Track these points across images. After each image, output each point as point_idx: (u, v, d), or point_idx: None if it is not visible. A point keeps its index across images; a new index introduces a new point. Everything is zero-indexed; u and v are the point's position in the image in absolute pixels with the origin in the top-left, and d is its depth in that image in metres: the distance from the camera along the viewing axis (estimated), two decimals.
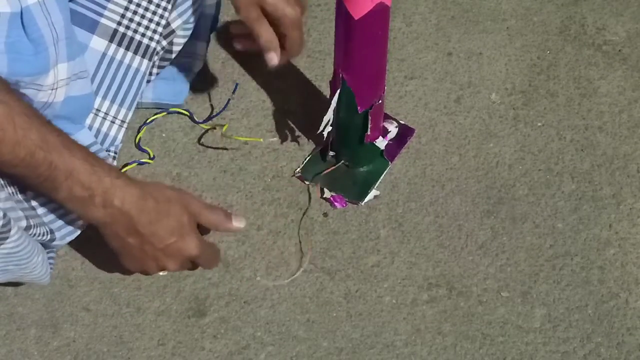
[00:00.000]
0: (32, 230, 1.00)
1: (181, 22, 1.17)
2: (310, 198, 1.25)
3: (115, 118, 1.16)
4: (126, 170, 1.26)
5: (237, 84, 1.32)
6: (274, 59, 1.12)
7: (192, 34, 1.23)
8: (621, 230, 1.22)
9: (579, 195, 1.25)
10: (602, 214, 1.23)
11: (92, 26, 1.11)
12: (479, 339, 1.13)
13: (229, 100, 1.29)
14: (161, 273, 1.10)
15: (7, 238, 0.95)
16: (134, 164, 1.27)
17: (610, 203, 1.24)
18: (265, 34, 1.10)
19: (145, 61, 1.16)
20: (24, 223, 0.98)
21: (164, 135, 1.31)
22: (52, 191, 0.96)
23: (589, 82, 1.37)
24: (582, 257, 1.19)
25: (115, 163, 1.16)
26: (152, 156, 1.27)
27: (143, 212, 1.00)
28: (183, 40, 1.20)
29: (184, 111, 1.32)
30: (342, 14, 1.09)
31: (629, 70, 1.38)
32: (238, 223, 1.09)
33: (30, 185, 0.97)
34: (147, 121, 1.30)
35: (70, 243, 1.10)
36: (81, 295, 1.17)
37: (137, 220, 1.00)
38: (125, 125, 1.17)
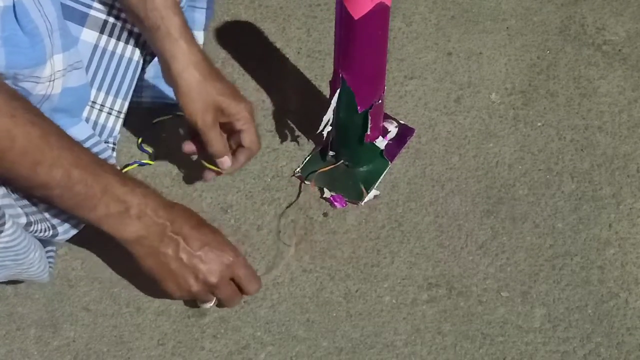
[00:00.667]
0: (33, 226, 0.99)
1: None
2: (299, 194, 1.25)
3: (112, 109, 1.16)
4: (126, 171, 1.25)
5: None
6: (227, 162, 1.14)
7: (188, 24, 1.23)
8: (621, 230, 1.22)
9: (579, 195, 1.25)
10: (602, 214, 1.23)
11: (81, 19, 1.11)
12: (478, 338, 1.13)
13: None
14: (208, 305, 1.11)
15: (1, 232, 0.95)
16: (135, 165, 1.27)
17: (610, 203, 1.24)
18: (217, 141, 1.12)
19: (138, 50, 1.16)
20: (23, 220, 0.98)
21: (163, 135, 1.31)
22: (89, 211, 0.97)
23: (588, 82, 1.37)
24: (582, 257, 1.19)
25: (114, 154, 1.16)
26: (152, 157, 1.27)
27: (175, 218, 1.02)
28: None
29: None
30: (342, 14, 1.09)
31: (629, 70, 1.38)
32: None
33: (64, 207, 0.97)
34: (154, 122, 1.29)
35: (71, 243, 1.10)
36: (81, 295, 1.17)
37: (170, 226, 1.01)
38: (122, 115, 1.17)
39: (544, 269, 1.19)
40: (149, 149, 1.28)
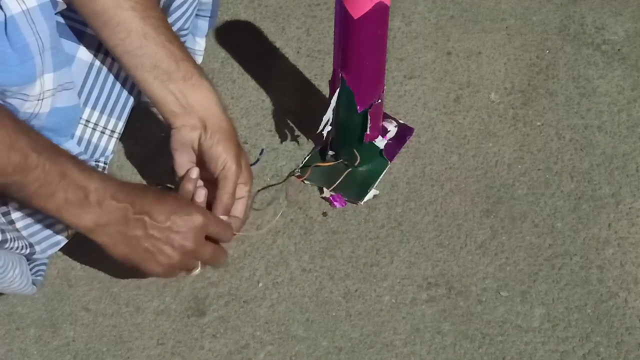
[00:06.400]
0: (8, 244, 0.98)
1: (175, 29, 1.15)
2: (286, 178, 1.25)
3: (105, 128, 1.14)
4: None
5: (263, 149, 1.27)
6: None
7: (190, 31, 1.22)
8: (620, 230, 1.22)
9: (578, 195, 1.25)
10: (601, 214, 1.23)
11: (78, 37, 1.10)
12: (478, 338, 1.13)
13: (257, 160, 1.27)
14: (196, 272, 1.09)
15: None
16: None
17: (610, 202, 1.24)
18: (233, 194, 1.11)
19: None
20: None
21: (162, 134, 1.31)
22: (47, 199, 0.94)
23: (588, 81, 1.37)
24: (581, 257, 1.20)
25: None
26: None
27: (135, 198, 1.00)
28: None
29: None
30: (342, 14, 1.09)
31: (628, 69, 1.38)
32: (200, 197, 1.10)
33: (23, 196, 0.95)
34: None
35: (70, 243, 1.10)
36: (81, 295, 1.17)
37: (132, 207, 0.99)
38: (115, 135, 1.15)
39: (544, 268, 1.19)
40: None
